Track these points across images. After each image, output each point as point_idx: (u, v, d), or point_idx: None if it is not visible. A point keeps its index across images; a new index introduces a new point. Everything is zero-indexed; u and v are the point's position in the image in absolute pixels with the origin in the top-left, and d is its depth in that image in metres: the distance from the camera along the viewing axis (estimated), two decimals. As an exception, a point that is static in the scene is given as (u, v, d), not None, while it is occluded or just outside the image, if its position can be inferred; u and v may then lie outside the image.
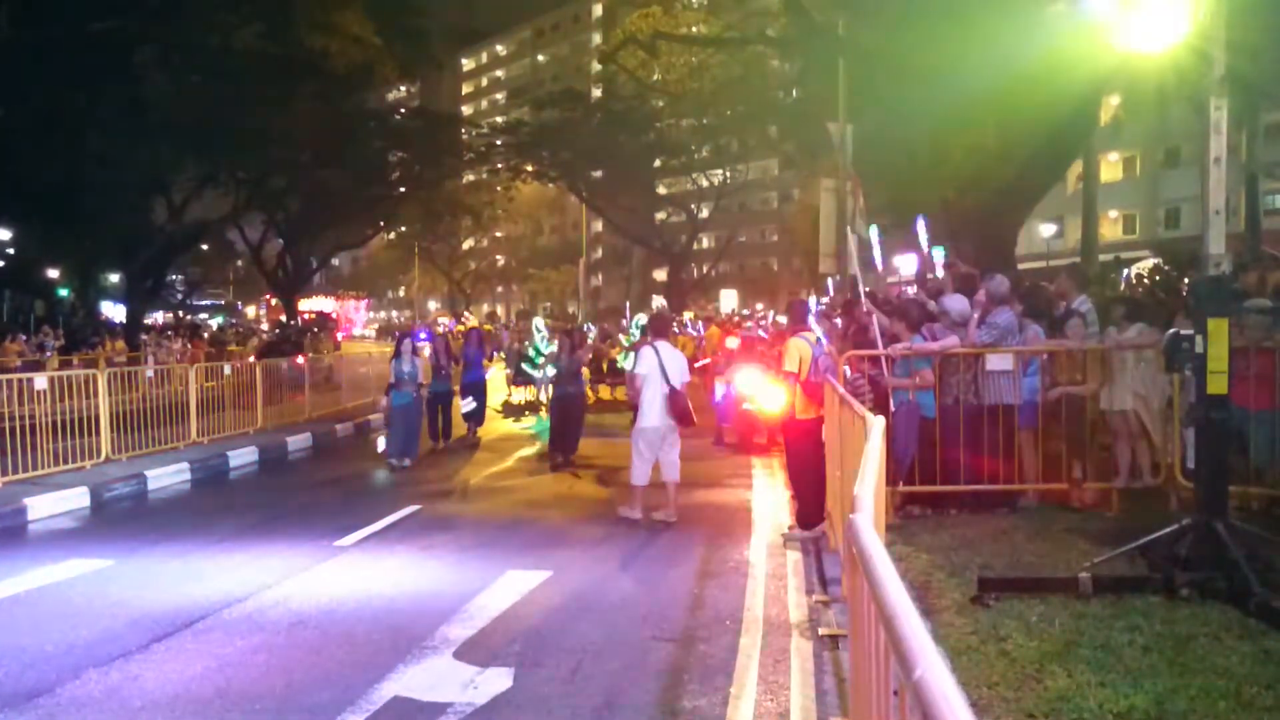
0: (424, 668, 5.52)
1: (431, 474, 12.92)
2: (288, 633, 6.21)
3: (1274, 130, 32.73)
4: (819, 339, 8.82)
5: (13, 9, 23.83)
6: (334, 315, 50.07)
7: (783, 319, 17.73)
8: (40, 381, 13.40)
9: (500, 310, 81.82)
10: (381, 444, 13.72)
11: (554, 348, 20.00)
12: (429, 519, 9.96)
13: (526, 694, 5.11)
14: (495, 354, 26.49)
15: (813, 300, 14.31)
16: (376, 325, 78.94)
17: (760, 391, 12.97)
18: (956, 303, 9.31)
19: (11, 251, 34.34)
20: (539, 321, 22.44)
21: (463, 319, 52.42)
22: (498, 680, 5.29)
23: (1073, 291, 9.74)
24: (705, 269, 61.15)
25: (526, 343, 21.38)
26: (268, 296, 57.71)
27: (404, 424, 13.56)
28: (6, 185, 27.61)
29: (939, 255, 11.57)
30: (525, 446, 15.43)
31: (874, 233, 12.63)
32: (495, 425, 18.44)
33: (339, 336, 40.35)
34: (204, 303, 69.16)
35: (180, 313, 56.14)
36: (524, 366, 21.22)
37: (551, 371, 20.28)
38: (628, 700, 5.02)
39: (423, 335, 17.20)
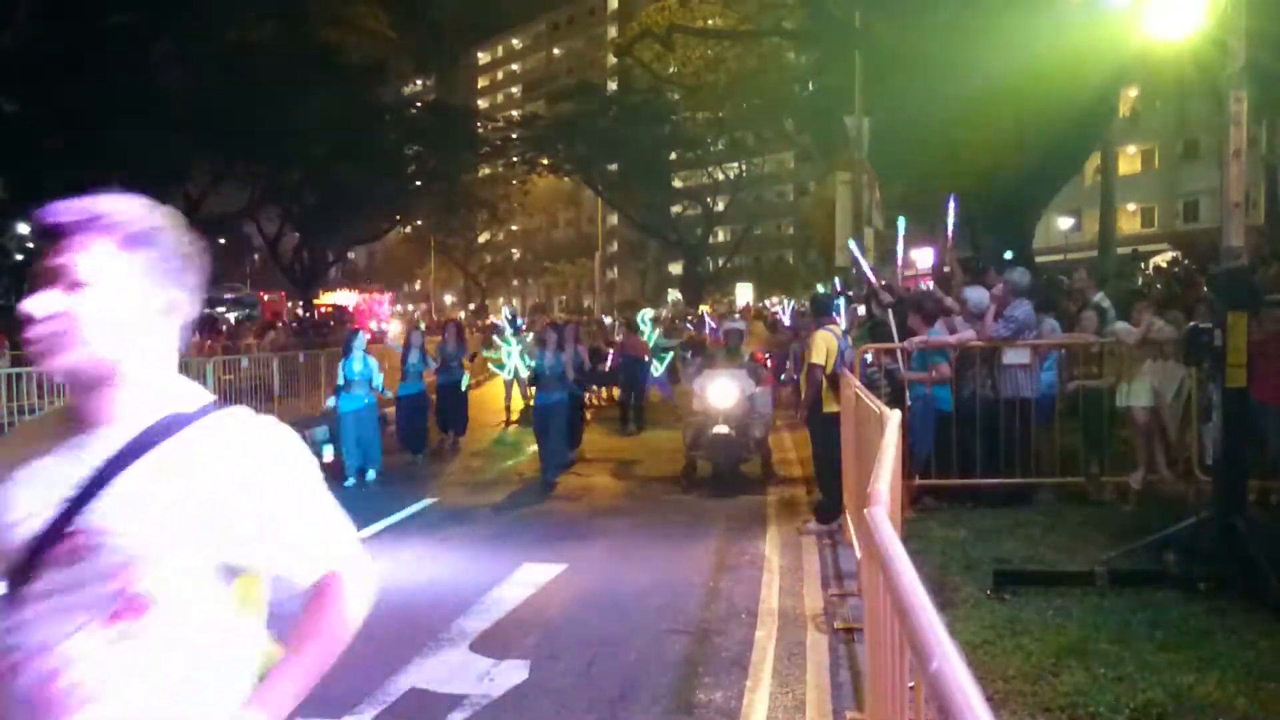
0: (440, 660, 5.55)
1: (446, 468, 12.95)
2: (305, 624, 6.22)
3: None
4: (844, 331, 8.81)
5: (31, 4, 23.93)
6: (355, 309, 50.07)
7: (802, 307, 17.60)
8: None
9: (516, 304, 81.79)
10: (328, 455, 11.77)
11: (519, 346, 17.23)
12: (444, 512, 10.00)
13: (542, 686, 5.12)
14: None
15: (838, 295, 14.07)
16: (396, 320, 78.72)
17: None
18: (976, 293, 9.27)
19: (32, 246, 34.60)
20: (506, 312, 21.10)
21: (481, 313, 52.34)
22: (514, 672, 5.30)
23: (1089, 287, 9.72)
24: (721, 262, 61.00)
25: (495, 337, 18.79)
26: (262, 292, 57.43)
27: (356, 433, 11.61)
28: (26, 180, 27.78)
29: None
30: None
31: (900, 225, 12.48)
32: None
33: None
34: (225, 296, 69.36)
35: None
36: (491, 366, 18.83)
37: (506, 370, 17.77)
38: (643, 693, 5.03)
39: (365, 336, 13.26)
